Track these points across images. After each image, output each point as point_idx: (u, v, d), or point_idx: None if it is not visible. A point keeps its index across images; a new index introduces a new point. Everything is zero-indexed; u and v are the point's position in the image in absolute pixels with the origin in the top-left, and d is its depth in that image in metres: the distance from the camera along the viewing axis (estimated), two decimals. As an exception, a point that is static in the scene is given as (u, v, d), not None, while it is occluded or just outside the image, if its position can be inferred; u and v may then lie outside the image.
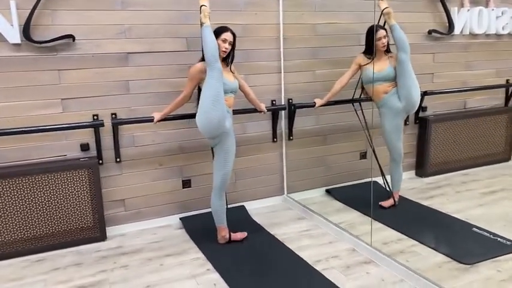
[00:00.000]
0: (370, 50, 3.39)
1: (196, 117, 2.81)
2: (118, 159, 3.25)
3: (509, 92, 4.77)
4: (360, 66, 3.46)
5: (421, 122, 4.32)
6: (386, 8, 3.34)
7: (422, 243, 2.98)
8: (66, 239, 3.11)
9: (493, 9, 4.41)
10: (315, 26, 3.76)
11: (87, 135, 3.15)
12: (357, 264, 2.77)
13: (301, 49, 3.75)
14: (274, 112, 3.69)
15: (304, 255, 2.90)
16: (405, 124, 4.24)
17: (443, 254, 2.81)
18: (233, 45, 2.87)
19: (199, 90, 2.93)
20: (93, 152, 3.19)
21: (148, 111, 3.24)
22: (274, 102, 3.70)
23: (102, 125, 3.08)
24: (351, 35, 3.86)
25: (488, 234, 3.06)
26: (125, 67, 3.18)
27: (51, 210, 3.05)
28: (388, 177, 3.65)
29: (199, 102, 2.79)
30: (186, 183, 3.53)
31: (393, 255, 2.77)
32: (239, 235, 3.12)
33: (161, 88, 3.30)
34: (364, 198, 3.84)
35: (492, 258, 2.73)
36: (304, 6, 3.70)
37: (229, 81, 2.85)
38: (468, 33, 4.36)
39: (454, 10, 4.23)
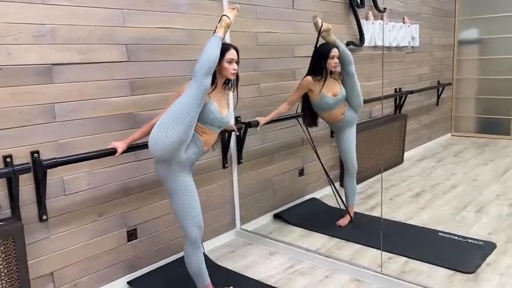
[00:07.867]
0: (318, 71, 3.16)
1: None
2: (44, 217, 2.25)
3: (397, 100, 5.21)
4: (310, 90, 3.19)
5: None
6: (324, 24, 3.14)
7: (411, 258, 2.88)
8: None
9: (386, 24, 4.73)
10: (257, 34, 3.36)
11: (-7, 188, 2.10)
12: (377, 297, 2.49)
13: (246, 60, 3.28)
14: (224, 134, 3.13)
15: (315, 298, 2.47)
16: (331, 136, 4.19)
17: (442, 267, 2.74)
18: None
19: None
20: (4, 212, 2.14)
21: (84, 144, 2.36)
22: (224, 121, 3.14)
23: (29, 170, 2.07)
24: (286, 46, 3.59)
25: (457, 238, 3.13)
26: (49, 84, 2.23)
27: None
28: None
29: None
30: (132, 235, 2.70)
31: (401, 277, 2.59)
32: (226, 292, 2.49)
33: (97, 112, 2.44)
34: (321, 218, 3.63)
35: (483, 262, 2.78)
36: (247, 13, 3.27)
37: (221, 114, 2.27)
38: (373, 45, 4.57)
39: (363, 22, 4.36)
